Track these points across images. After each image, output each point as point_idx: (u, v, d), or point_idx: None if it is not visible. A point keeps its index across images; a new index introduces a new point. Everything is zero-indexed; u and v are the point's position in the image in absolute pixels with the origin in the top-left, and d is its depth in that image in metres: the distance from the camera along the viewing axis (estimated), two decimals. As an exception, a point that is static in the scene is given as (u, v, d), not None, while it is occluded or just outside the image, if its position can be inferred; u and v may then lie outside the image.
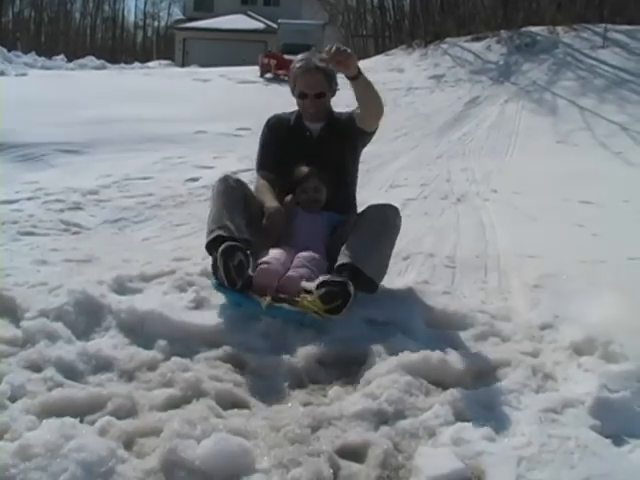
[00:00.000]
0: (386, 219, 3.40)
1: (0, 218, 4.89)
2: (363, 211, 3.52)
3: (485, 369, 2.77)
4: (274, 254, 3.28)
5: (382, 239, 3.34)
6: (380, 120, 3.66)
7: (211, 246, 3.22)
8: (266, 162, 3.77)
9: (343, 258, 3.19)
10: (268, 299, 3.05)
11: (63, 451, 1.90)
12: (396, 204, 3.62)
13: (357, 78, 3.40)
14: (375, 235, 3.30)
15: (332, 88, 3.76)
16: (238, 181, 3.48)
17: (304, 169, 3.56)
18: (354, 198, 3.87)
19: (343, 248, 3.25)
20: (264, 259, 3.24)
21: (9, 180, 6.41)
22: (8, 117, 8.71)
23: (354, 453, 2.15)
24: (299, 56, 3.76)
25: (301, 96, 3.68)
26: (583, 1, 21.25)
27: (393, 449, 2.16)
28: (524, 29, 19.51)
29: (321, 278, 3.02)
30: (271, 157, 3.76)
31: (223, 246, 3.05)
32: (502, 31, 19.86)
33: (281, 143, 3.74)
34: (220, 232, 3.21)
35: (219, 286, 3.24)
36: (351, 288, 2.99)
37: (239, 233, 3.24)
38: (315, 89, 3.65)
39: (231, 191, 3.41)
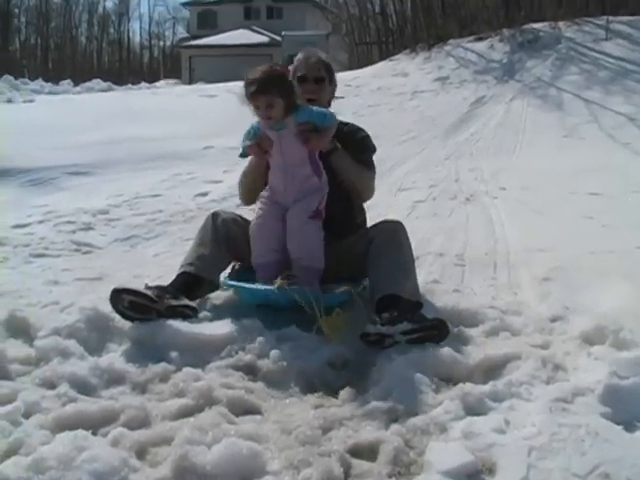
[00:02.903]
0: (400, 240, 3.39)
1: (12, 242, 4.95)
2: (373, 236, 3.42)
3: (495, 363, 2.77)
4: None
5: (408, 260, 3.37)
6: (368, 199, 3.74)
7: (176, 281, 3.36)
8: None
9: (386, 290, 3.15)
10: (279, 282, 3.13)
11: (76, 463, 1.92)
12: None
13: (332, 153, 3.44)
14: (402, 260, 3.31)
15: (331, 81, 3.74)
16: (225, 221, 3.50)
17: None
18: (361, 207, 3.83)
19: (376, 280, 3.26)
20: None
21: (20, 205, 6.48)
22: (16, 143, 8.82)
23: (365, 452, 2.17)
24: (297, 56, 3.79)
25: (300, 80, 3.61)
26: (584, -5, 21.24)
27: (404, 446, 2.17)
28: (526, 26, 19.48)
29: (408, 326, 2.89)
30: None
31: (110, 293, 3.08)
32: (504, 29, 19.84)
33: None
34: (184, 269, 3.38)
35: (229, 282, 3.41)
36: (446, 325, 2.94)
37: (205, 269, 3.38)
38: (315, 72, 3.63)
39: (212, 229, 3.49)
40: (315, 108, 3.36)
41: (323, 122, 3.30)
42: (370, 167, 3.68)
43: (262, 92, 3.21)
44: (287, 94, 3.27)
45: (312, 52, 3.74)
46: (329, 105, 3.72)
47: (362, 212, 3.82)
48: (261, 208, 3.41)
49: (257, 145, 3.35)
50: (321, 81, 3.65)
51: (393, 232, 3.40)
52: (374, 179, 3.68)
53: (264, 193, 3.47)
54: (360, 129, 3.80)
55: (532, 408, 2.35)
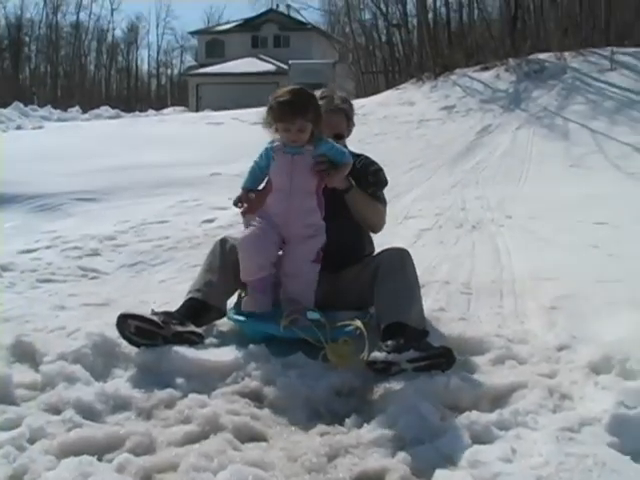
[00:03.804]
0: (405, 267, 3.39)
1: (19, 267, 4.96)
2: (378, 263, 3.42)
3: (501, 392, 2.77)
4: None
5: (413, 287, 3.37)
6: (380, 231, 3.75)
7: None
8: None
9: (392, 318, 3.15)
10: (285, 321, 3.13)
11: (81, 489, 1.92)
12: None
13: (348, 192, 3.42)
14: (407, 287, 3.31)
15: (349, 129, 3.76)
16: (233, 247, 3.47)
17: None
18: (369, 236, 3.83)
19: (382, 308, 3.26)
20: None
21: (28, 230, 6.50)
22: (25, 169, 8.86)
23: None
24: (319, 93, 3.64)
25: (331, 112, 3.57)
26: (589, 26, 21.36)
27: (410, 474, 2.16)
28: (532, 56, 19.57)
29: (415, 354, 2.89)
30: None
31: (116, 319, 3.09)
32: (510, 59, 19.93)
33: None
34: (192, 295, 3.41)
35: (234, 316, 3.39)
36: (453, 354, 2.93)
37: (213, 295, 3.40)
38: (334, 130, 3.58)
39: (220, 255, 3.50)
40: (336, 144, 3.32)
41: (341, 159, 3.27)
42: (382, 201, 3.70)
43: (299, 114, 3.15)
44: (317, 120, 3.23)
45: (333, 104, 3.65)
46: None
47: (371, 243, 3.84)
48: (256, 226, 3.30)
49: (248, 203, 3.34)
50: (340, 137, 3.63)
51: (398, 259, 3.41)
52: (386, 212, 3.71)
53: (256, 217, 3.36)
54: (373, 162, 3.80)
55: (539, 437, 2.34)
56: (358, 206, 3.50)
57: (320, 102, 3.53)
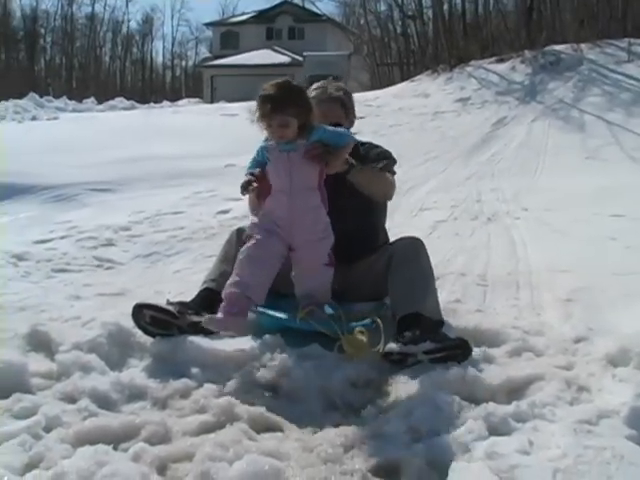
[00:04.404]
0: (419, 256, 3.36)
1: (35, 257, 4.97)
2: (392, 253, 3.38)
3: (518, 384, 2.75)
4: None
5: (428, 276, 3.34)
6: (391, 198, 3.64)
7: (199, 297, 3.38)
8: None
9: (408, 309, 3.12)
10: (302, 314, 3.11)
11: (96, 477, 1.92)
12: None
13: (349, 172, 3.23)
14: (422, 276, 3.28)
15: (350, 118, 3.68)
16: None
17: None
18: (383, 227, 3.82)
19: (397, 298, 3.22)
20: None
21: (43, 221, 6.52)
22: (40, 160, 8.88)
23: (388, 471, 2.15)
24: (314, 85, 3.66)
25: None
26: (606, 17, 21.18)
27: (427, 466, 2.15)
28: (548, 48, 19.42)
29: (431, 345, 2.88)
30: None
31: (132, 308, 3.11)
32: (526, 51, 19.79)
33: None
34: (207, 285, 3.41)
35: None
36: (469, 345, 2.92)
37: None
38: (330, 119, 3.43)
39: (236, 245, 3.42)
40: (330, 128, 3.15)
41: (337, 142, 3.10)
42: (391, 172, 3.59)
43: (278, 110, 2.98)
44: (304, 113, 3.04)
45: (326, 93, 3.59)
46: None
47: (385, 233, 3.80)
48: (255, 237, 3.13)
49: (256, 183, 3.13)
50: (338, 126, 3.43)
51: (412, 249, 3.38)
52: (394, 181, 3.57)
53: (256, 220, 3.24)
54: (378, 146, 3.76)
55: (556, 429, 2.31)
56: (363, 182, 3.34)
57: (313, 93, 3.53)
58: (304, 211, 3.14)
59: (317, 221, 3.19)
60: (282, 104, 2.98)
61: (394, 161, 3.68)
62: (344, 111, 3.63)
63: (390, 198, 3.64)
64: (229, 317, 2.95)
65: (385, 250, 3.50)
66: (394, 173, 3.63)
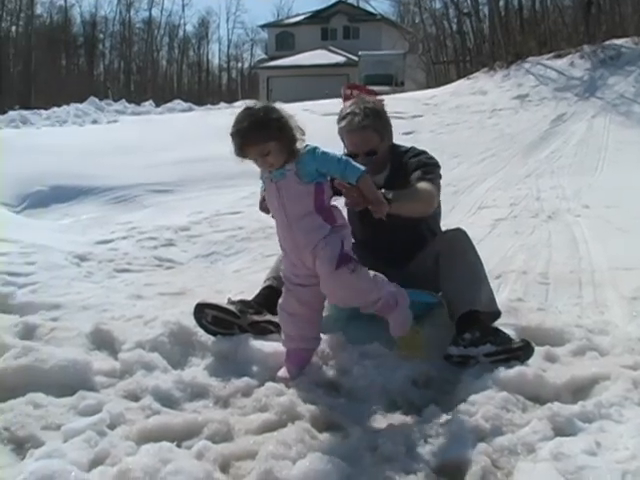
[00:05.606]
0: (464, 248, 3.29)
1: (97, 257, 5.04)
2: (438, 250, 3.28)
3: (583, 383, 2.70)
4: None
5: (476, 268, 3.27)
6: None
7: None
8: None
9: (463, 308, 3.07)
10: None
11: (161, 475, 1.94)
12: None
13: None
14: (471, 270, 3.22)
15: (385, 140, 3.48)
16: None
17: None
18: (438, 228, 3.67)
19: (451, 297, 3.17)
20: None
21: (105, 222, 6.63)
22: (101, 162, 9.02)
23: (452, 471, 2.13)
24: (341, 112, 3.47)
25: (351, 156, 3.18)
26: (669, 9, 20.73)
27: (491, 466, 2.12)
28: (607, 42, 19.07)
29: (492, 348, 2.86)
30: None
31: (194, 308, 3.13)
32: (585, 46, 19.45)
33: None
34: (269, 282, 3.39)
35: None
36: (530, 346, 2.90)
37: None
38: (363, 148, 3.38)
39: None
40: (320, 151, 2.78)
41: (344, 174, 2.76)
42: (430, 180, 3.35)
43: (250, 142, 2.72)
44: (278, 131, 2.72)
45: (354, 124, 3.38)
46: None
47: (437, 225, 3.67)
48: (283, 289, 2.99)
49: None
50: (373, 153, 3.41)
51: (458, 243, 3.32)
52: (434, 193, 3.33)
53: (282, 267, 3.04)
54: (420, 153, 3.56)
55: (624, 430, 2.27)
56: (404, 211, 3.08)
57: (341, 123, 3.42)
58: (305, 232, 2.80)
59: (320, 236, 2.79)
60: (251, 135, 2.71)
61: (436, 167, 3.49)
62: (378, 135, 3.43)
63: (430, 211, 3.39)
64: (293, 368, 2.86)
65: (432, 247, 3.40)
66: (436, 178, 3.42)
